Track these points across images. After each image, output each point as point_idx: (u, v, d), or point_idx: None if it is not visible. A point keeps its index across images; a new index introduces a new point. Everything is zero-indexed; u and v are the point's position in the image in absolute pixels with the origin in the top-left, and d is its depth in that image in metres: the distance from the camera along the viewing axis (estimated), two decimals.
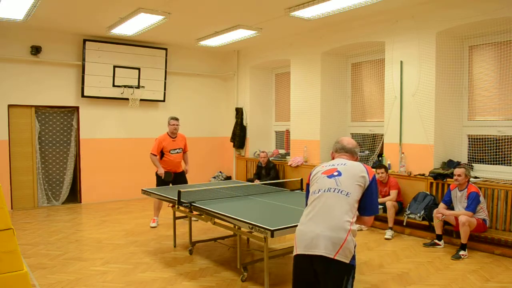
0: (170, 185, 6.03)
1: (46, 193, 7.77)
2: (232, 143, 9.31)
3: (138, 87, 8.26)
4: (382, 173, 5.75)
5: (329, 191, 2.22)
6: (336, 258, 2.08)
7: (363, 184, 2.26)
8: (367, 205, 2.27)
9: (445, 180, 5.39)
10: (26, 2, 5.59)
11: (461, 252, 4.72)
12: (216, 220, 4.03)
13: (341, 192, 2.21)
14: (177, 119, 6.21)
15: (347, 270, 2.13)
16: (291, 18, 6.27)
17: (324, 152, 7.34)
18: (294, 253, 2.24)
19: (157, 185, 6.10)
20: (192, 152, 9.14)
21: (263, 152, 7.92)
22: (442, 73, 5.63)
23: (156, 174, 6.15)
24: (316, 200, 2.25)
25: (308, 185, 2.45)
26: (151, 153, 6.03)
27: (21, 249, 3.23)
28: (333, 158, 2.56)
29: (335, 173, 2.28)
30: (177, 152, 6.20)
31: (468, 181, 4.87)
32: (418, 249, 5.05)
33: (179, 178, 6.22)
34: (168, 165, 6.13)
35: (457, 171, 4.89)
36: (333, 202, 2.19)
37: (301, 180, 5.34)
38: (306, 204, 2.38)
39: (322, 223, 2.15)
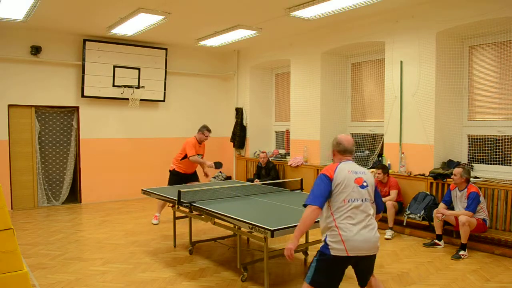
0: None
1: (46, 193, 7.77)
2: (232, 143, 9.31)
3: (138, 87, 8.26)
4: (379, 173, 5.74)
5: (366, 201, 2.74)
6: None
7: (374, 186, 2.89)
8: (377, 203, 2.92)
9: (445, 180, 5.39)
10: (26, 2, 5.59)
11: (461, 252, 4.72)
12: (216, 220, 4.03)
13: (372, 202, 2.80)
14: (210, 131, 6.49)
15: None
16: (291, 18, 6.27)
17: (324, 152, 7.34)
18: (343, 255, 2.63)
19: (169, 183, 6.35)
20: None
21: (263, 152, 7.92)
22: (442, 73, 5.63)
23: (170, 172, 6.40)
24: (361, 209, 2.70)
25: (329, 179, 2.73)
26: (191, 155, 6.19)
27: (21, 249, 3.23)
28: (333, 155, 2.96)
29: (365, 184, 2.76)
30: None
31: (468, 181, 4.87)
32: (418, 249, 5.05)
33: (192, 177, 6.55)
34: (187, 167, 6.38)
35: (454, 171, 4.91)
36: (370, 210, 2.76)
37: (301, 180, 5.34)
38: (319, 193, 2.70)
39: (368, 228, 2.69)
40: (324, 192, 2.69)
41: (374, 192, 2.84)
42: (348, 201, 2.68)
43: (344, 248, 2.62)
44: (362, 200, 2.71)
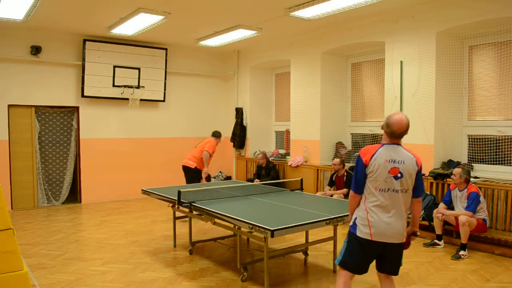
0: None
1: (46, 193, 7.77)
2: (232, 143, 9.31)
3: (138, 87, 8.26)
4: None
5: (397, 192, 2.72)
6: (401, 242, 2.79)
7: (415, 175, 2.79)
8: (415, 188, 2.82)
9: (445, 180, 5.39)
10: (26, 2, 5.59)
11: (461, 252, 4.72)
12: (216, 220, 4.03)
13: (405, 191, 2.76)
14: None
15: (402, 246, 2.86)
16: (291, 18, 6.27)
17: (324, 152, 7.34)
18: (368, 238, 2.73)
19: (191, 181, 6.63)
20: None
21: (260, 153, 7.92)
22: (442, 73, 5.63)
23: (192, 170, 6.67)
24: (390, 199, 2.72)
25: (365, 166, 2.76)
26: (208, 151, 6.62)
27: (21, 249, 3.23)
28: (384, 135, 2.85)
29: (399, 175, 2.71)
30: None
31: (468, 181, 4.87)
32: (418, 249, 5.05)
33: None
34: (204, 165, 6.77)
35: (453, 171, 4.92)
36: (400, 200, 2.75)
37: (301, 180, 5.34)
38: (357, 181, 2.80)
39: (395, 217, 2.73)
40: (362, 179, 2.77)
41: (416, 178, 2.77)
42: (380, 190, 2.71)
43: (370, 232, 2.71)
44: (393, 190, 2.70)
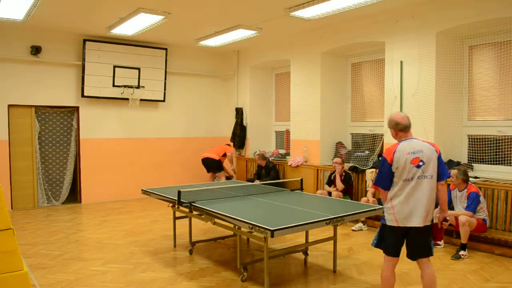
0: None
1: (46, 193, 7.77)
2: (232, 143, 9.31)
3: (138, 87, 8.26)
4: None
5: (420, 178, 3.02)
6: (425, 224, 3.06)
7: (437, 160, 3.07)
8: (438, 172, 3.08)
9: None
10: (26, 2, 5.59)
11: (461, 252, 4.72)
12: (216, 220, 4.03)
13: (429, 177, 3.04)
14: None
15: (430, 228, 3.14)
16: (291, 18, 6.27)
17: (324, 152, 7.34)
18: (394, 225, 3.08)
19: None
20: (193, 152, 9.18)
21: (258, 154, 7.91)
22: (442, 73, 5.63)
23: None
24: (411, 186, 3.02)
25: (390, 164, 3.06)
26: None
27: (21, 249, 3.24)
28: (395, 134, 3.16)
29: (421, 163, 3.02)
30: None
31: (466, 181, 4.87)
32: None
33: None
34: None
35: (450, 173, 4.93)
36: (424, 186, 3.03)
37: (301, 180, 5.34)
38: (381, 179, 3.12)
39: (417, 202, 3.02)
40: (387, 176, 3.08)
41: (438, 163, 3.04)
42: (404, 180, 3.03)
43: (395, 219, 3.06)
44: (418, 177, 3.01)
